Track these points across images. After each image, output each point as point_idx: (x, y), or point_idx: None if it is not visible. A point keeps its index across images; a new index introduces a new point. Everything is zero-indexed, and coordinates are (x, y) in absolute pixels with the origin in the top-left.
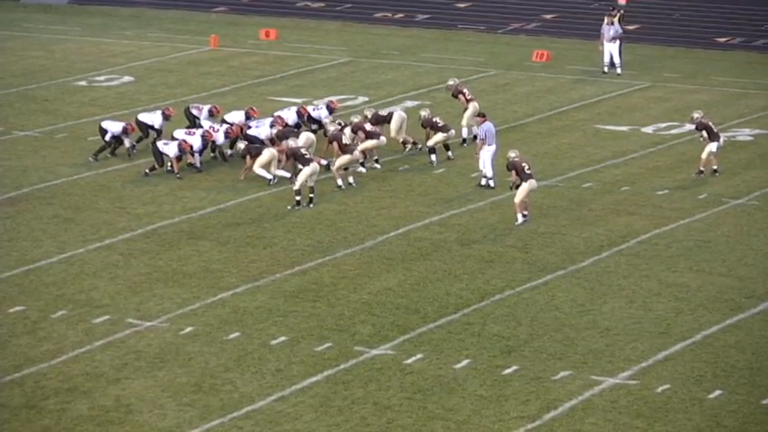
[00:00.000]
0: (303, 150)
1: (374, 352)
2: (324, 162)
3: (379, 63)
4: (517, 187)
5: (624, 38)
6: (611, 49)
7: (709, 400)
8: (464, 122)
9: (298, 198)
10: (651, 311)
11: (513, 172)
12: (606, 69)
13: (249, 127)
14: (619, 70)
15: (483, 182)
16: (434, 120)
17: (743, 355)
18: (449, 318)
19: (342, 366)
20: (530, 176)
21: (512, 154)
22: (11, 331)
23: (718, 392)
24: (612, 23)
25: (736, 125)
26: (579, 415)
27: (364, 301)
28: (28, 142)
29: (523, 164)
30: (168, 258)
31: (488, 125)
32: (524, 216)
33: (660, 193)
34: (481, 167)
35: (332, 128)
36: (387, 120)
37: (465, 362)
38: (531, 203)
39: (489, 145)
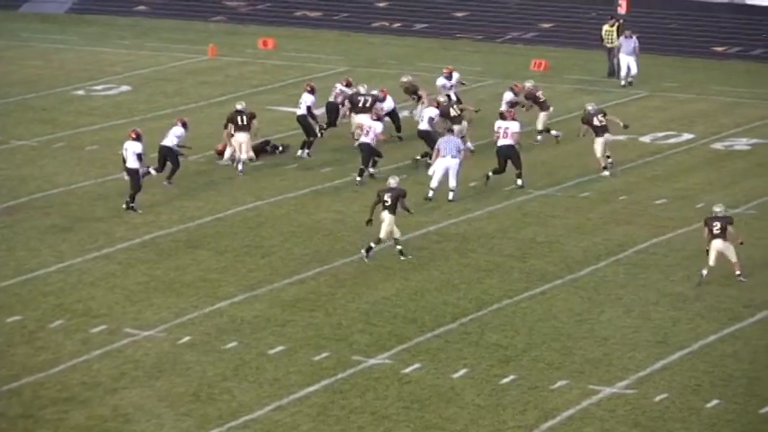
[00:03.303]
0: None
1: (372, 361)
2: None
3: (376, 72)
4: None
5: (612, 48)
6: (628, 61)
7: (706, 410)
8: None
9: (372, 245)
10: (649, 321)
11: (706, 229)
12: (623, 83)
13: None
14: (630, 80)
15: (431, 194)
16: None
17: (741, 365)
18: (446, 327)
19: (339, 376)
20: (716, 236)
21: (716, 209)
22: (8, 341)
23: (715, 402)
24: (631, 37)
25: (734, 134)
26: (577, 424)
27: (362, 310)
28: (26, 152)
29: (714, 223)
30: (166, 268)
31: (446, 138)
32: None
33: (658, 202)
34: (430, 173)
35: None
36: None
37: (462, 371)
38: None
39: (443, 156)
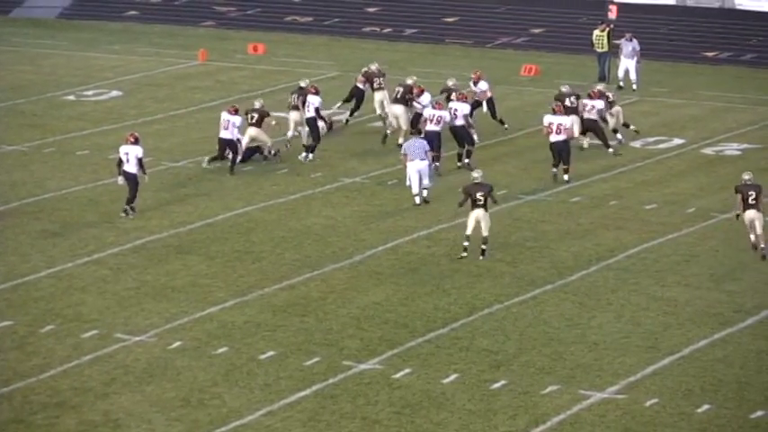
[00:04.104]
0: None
1: (362, 366)
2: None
3: None
4: (737, 217)
5: (612, 53)
6: (627, 65)
7: (697, 415)
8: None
9: (465, 244)
10: (639, 326)
11: (739, 196)
12: (621, 84)
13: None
14: (634, 86)
15: (417, 200)
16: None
17: (731, 370)
18: (437, 332)
19: (330, 381)
20: (751, 207)
21: (745, 176)
22: None
23: (706, 407)
24: (631, 40)
25: (724, 139)
26: (567, 429)
27: (352, 315)
28: (16, 157)
29: (750, 192)
30: (156, 273)
31: (411, 141)
32: (759, 249)
33: (648, 207)
34: (407, 183)
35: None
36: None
37: (453, 376)
38: (757, 239)
39: (412, 160)
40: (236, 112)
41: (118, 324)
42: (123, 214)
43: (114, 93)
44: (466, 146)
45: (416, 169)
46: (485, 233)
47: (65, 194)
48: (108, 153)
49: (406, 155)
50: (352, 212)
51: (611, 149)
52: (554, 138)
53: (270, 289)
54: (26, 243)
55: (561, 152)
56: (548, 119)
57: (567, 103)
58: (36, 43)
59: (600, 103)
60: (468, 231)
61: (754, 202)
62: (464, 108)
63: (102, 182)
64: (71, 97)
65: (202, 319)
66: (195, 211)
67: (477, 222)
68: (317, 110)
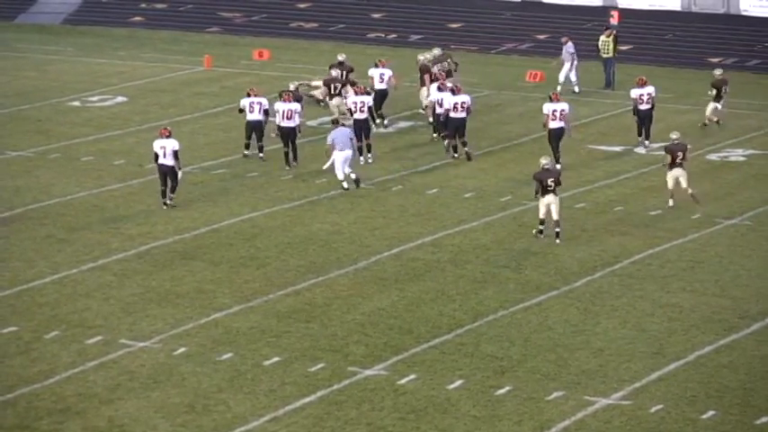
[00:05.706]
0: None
1: (367, 372)
2: None
3: None
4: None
5: (608, 58)
6: (566, 68)
7: (702, 421)
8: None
9: (541, 227)
10: (644, 332)
11: (669, 157)
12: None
13: None
14: (576, 89)
15: (345, 185)
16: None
17: (736, 376)
18: (442, 338)
19: (335, 387)
20: (678, 165)
21: (673, 136)
22: (4, 352)
23: (711, 413)
24: (567, 43)
25: (729, 145)
26: None
27: (357, 321)
28: (21, 162)
29: (678, 152)
30: (161, 279)
31: (338, 130)
32: (672, 202)
33: (653, 213)
34: (337, 172)
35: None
36: None
37: (458, 382)
38: (685, 192)
39: (341, 150)
40: (292, 99)
41: (123, 330)
42: (164, 207)
43: (119, 99)
44: (463, 138)
45: (344, 157)
46: (555, 217)
47: (70, 200)
48: (113, 159)
49: (332, 145)
50: (356, 218)
51: (645, 143)
52: (554, 124)
53: (274, 295)
54: (31, 249)
55: (560, 138)
56: (548, 107)
57: (435, 70)
58: (41, 49)
59: (652, 89)
60: (541, 215)
61: (680, 161)
62: (469, 100)
63: (106, 187)
64: (76, 103)
65: (207, 324)
66: (200, 217)
67: (548, 207)
68: (370, 109)
